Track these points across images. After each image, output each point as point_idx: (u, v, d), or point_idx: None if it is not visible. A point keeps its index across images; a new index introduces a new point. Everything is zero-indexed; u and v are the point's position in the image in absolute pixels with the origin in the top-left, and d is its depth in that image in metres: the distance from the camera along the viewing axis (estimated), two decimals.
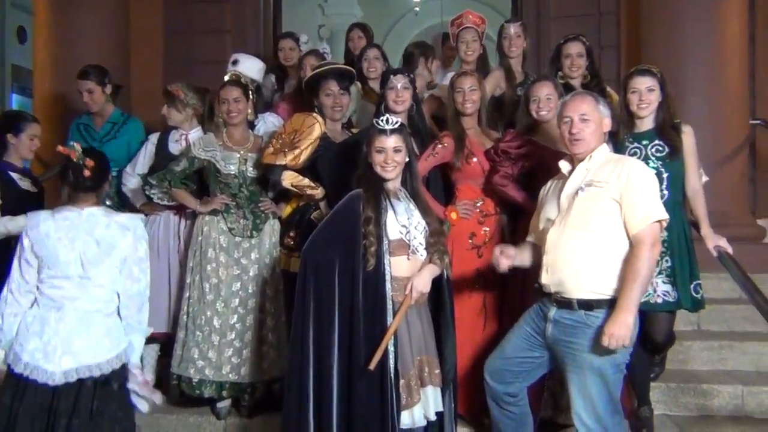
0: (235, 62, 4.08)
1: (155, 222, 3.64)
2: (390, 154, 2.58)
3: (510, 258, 2.68)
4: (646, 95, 2.99)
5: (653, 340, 3.04)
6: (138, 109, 5.12)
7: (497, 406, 2.69)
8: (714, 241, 3.05)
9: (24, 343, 2.38)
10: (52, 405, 2.35)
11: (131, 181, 3.73)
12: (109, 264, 2.45)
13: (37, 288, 2.44)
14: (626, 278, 2.33)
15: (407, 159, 2.65)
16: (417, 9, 8.64)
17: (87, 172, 2.45)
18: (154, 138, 3.78)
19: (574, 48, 3.65)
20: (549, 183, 2.69)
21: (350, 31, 4.64)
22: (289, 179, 3.22)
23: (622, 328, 2.28)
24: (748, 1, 4.74)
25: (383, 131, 2.60)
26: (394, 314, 2.50)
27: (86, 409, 2.36)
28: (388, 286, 2.51)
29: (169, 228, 3.62)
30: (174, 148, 3.64)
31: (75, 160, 2.45)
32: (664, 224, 2.45)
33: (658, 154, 3.01)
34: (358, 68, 4.03)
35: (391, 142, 2.59)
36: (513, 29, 3.92)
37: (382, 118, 2.64)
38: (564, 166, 2.58)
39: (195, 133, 3.63)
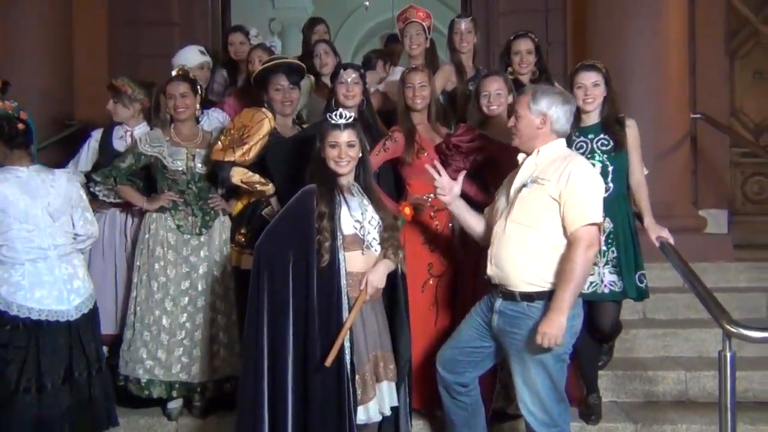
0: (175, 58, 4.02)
1: (100, 220, 3.53)
2: (344, 148, 2.56)
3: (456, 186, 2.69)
4: (591, 90, 3.04)
5: (600, 329, 3.11)
6: (81, 103, 4.97)
7: (449, 396, 2.72)
8: (656, 231, 3.12)
9: (26, 294, 2.74)
10: (71, 338, 2.80)
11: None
12: (70, 212, 2.89)
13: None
14: (560, 279, 2.37)
15: (360, 154, 2.63)
16: (367, 3, 8.60)
17: (21, 125, 2.70)
18: (97, 134, 3.67)
19: (523, 45, 3.70)
20: (510, 174, 2.70)
21: (316, 24, 4.55)
22: (238, 175, 3.16)
23: (554, 328, 2.32)
24: (688, 1, 4.88)
25: (337, 126, 2.58)
26: (350, 310, 2.49)
27: (88, 338, 2.86)
28: (342, 281, 2.49)
29: (114, 226, 3.52)
30: (119, 144, 3.54)
31: (11, 112, 2.68)
32: (607, 225, 2.49)
33: (603, 148, 3.07)
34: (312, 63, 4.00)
35: (345, 136, 2.57)
36: (464, 25, 3.94)
37: (335, 112, 2.62)
38: (521, 158, 2.61)
39: (140, 129, 3.54)
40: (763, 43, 5.53)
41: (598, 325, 3.09)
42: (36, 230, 2.79)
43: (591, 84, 3.04)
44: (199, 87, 3.42)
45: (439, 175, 2.69)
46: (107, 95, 3.60)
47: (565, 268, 2.36)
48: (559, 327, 2.32)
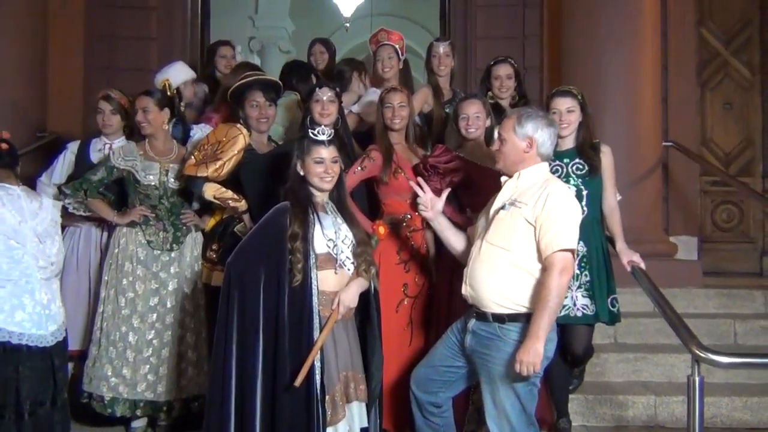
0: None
1: (75, 234, 3.48)
2: (329, 164, 2.56)
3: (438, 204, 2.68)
4: (565, 116, 3.08)
5: (573, 352, 3.11)
6: (56, 116, 4.90)
7: (422, 416, 2.70)
8: (628, 256, 3.15)
9: (7, 317, 2.64)
10: (52, 363, 2.75)
11: (47, 191, 3.53)
12: (55, 235, 2.85)
13: None
14: (536, 306, 2.37)
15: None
16: (347, 25, 8.66)
17: (4, 145, 2.67)
18: (73, 146, 3.62)
19: (503, 70, 3.75)
20: (494, 196, 2.70)
21: (312, 45, 4.60)
22: (211, 191, 3.13)
23: (531, 355, 2.31)
24: (660, 30, 4.99)
25: (321, 142, 2.58)
26: (321, 329, 2.46)
27: (58, 366, 2.80)
28: (314, 300, 2.47)
29: (90, 241, 3.47)
30: (96, 157, 3.49)
31: None
32: (580, 249, 2.50)
33: (579, 172, 3.11)
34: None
35: (330, 152, 2.58)
36: (442, 48, 3.97)
37: (317, 128, 2.61)
38: (504, 181, 2.61)
39: (120, 143, 3.49)
40: (732, 75, 5.66)
41: (571, 349, 3.09)
42: (22, 250, 2.71)
43: (565, 110, 3.08)
44: (176, 101, 3.40)
45: (423, 191, 2.69)
46: (81, 108, 3.56)
47: (540, 295, 2.36)
48: (536, 354, 2.32)
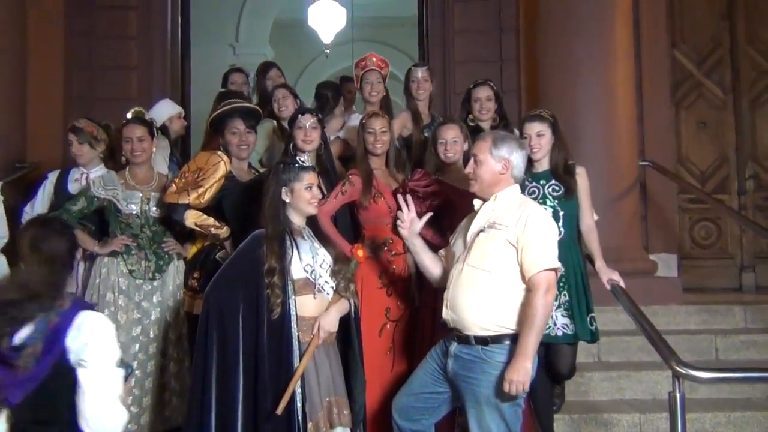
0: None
1: None
2: (316, 190, 2.62)
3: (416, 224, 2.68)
4: (535, 140, 3.15)
5: (558, 371, 3.15)
6: (36, 146, 4.89)
7: None
8: (607, 274, 3.20)
9: None
10: None
11: None
12: None
13: None
14: (522, 325, 2.39)
15: None
16: (327, 51, 8.76)
17: None
18: (52, 176, 3.63)
19: (483, 92, 3.81)
20: (465, 219, 2.74)
21: (268, 70, 4.57)
22: (192, 218, 3.15)
23: (521, 374, 2.33)
24: (634, 52, 5.10)
25: (309, 168, 2.64)
26: (301, 355, 2.46)
27: None
28: (293, 327, 2.47)
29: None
30: (74, 188, 3.51)
31: None
32: (560, 272, 2.54)
33: (555, 194, 3.16)
34: (271, 108, 4.04)
35: (316, 178, 2.65)
36: (420, 73, 4.02)
37: (302, 156, 2.67)
38: (477, 204, 2.64)
39: (97, 172, 3.51)
40: (705, 94, 5.80)
41: (556, 368, 3.12)
42: None
43: (535, 134, 3.15)
44: (155, 129, 3.42)
45: (408, 209, 2.70)
46: (61, 138, 3.58)
47: (526, 314, 2.39)
48: (525, 373, 2.34)
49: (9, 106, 4.64)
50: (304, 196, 2.60)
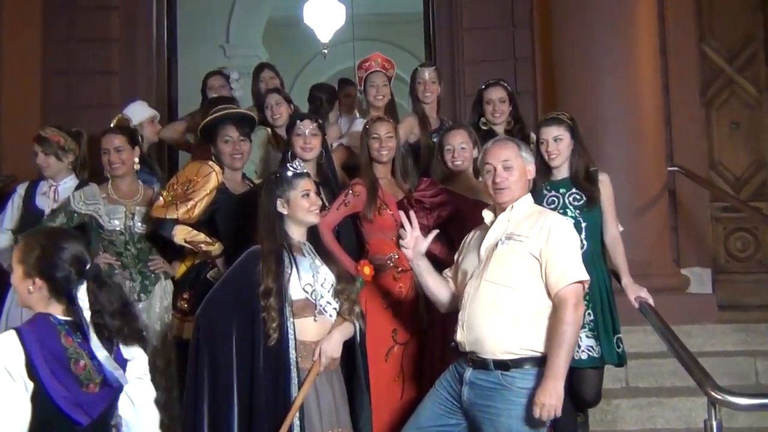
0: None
1: None
2: (314, 196, 2.63)
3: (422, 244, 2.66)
4: (553, 145, 3.15)
5: (584, 398, 3.13)
6: (10, 157, 4.92)
7: None
8: (635, 291, 3.18)
9: None
10: None
11: (0, 239, 3.55)
12: None
13: None
14: (552, 343, 2.38)
15: None
16: (325, 51, 8.80)
17: None
18: (21, 189, 3.65)
19: (495, 93, 3.82)
20: (471, 233, 2.74)
21: (261, 71, 4.59)
22: (181, 234, 3.14)
23: (553, 398, 2.32)
24: (660, 47, 5.11)
25: (303, 175, 2.65)
26: (301, 384, 2.45)
27: None
28: (292, 353, 2.47)
29: None
30: (42, 201, 3.53)
31: None
32: (587, 285, 2.53)
33: (576, 203, 3.15)
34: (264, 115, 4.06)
35: (312, 184, 2.65)
36: (427, 74, 4.04)
37: (295, 162, 2.70)
38: (487, 215, 2.64)
39: (67, 184, 3.53)
40: (738, 93, 5.78)
41: (581, 394, 3.10)
42: None
43: (552, 138, 3.15)
44: (140, 137, 3.44)
45: (411, 226, 2.68)
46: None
47: (556, 331, 2.38)
48: (558, 396, 2.32)
49: None
50: (302, 205, 2.60)
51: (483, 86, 3.91)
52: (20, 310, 3.28)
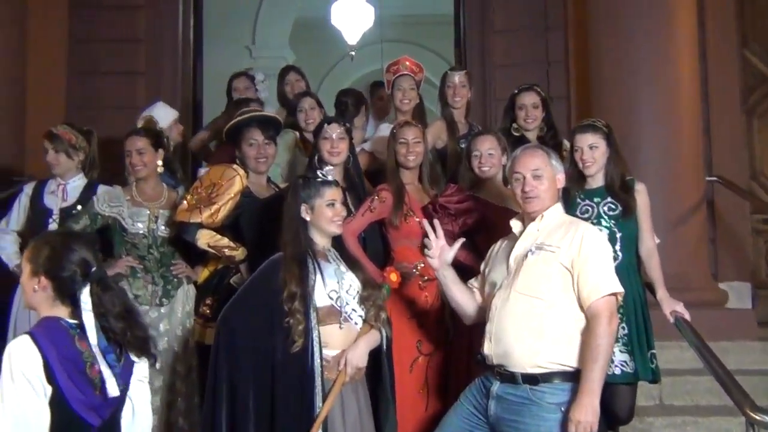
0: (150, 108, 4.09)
1: None
2: (339, 207, 2.63)
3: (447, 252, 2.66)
4: (588, 153, 3.13)
5: (617, 415, 3.10)
6: (33, 156, 5.00)
7: None
8: (670, 305, 3.15)
9: None
10: None
11: (5, 240, 3.60)
12: None
13: None
14: (586, 357, 2.37)
15: None
16: (353, 53, 8.85)
17: None
18: (28, 188, 3.67)
19: (528, 98, 3.81)
20: (498, 243, 2.74)
21: (286, 74, 4.68)
22: (205, 239, 3.17)
23: (589, 414, 2.31)
24: (699, 52, 5.06)
25: (331, 183, 2.66)
26: (326, 395, 2.46)
27: None
28: (317, 362, 2.47)
29: None
30: (50, 200, 3.56)
31: None
32: (621, 298, 2.51)
33: (611, 213, 3.13)
34: (294, 119, 4.09)
35: (339, 194, 2.66)
36: (458, 78, 4.04)
37: (326, 168, 2.70)
38: (515, 225, 2.64)
39: (75, 183, 3.58)
40: None
41: (614, 411, 3.08)
42: None
43: (588, 146, 3.13)
44: (165, 140, 3.48)
45: (435, 235, 2.69)
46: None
47: (590, 345, 2.37)
48: (594, 412, 2.32)
49: (6, 116, 4.77)
50: (325, 214, 2.61)
51: (516, 91, 3.90)
52: (28, 313, 3.34)
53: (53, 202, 3.56)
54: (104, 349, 1.97)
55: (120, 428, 2.06)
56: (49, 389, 1.87)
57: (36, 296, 2.01)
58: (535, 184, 2.56)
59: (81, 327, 1.98)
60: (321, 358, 2.49)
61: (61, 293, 2.00)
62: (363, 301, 2.61)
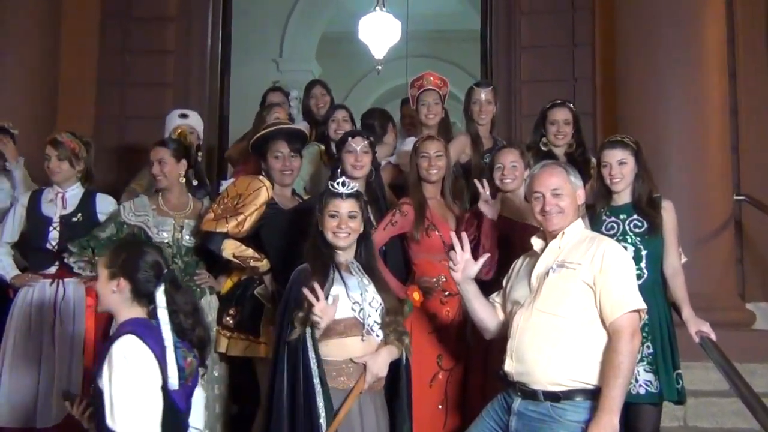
0: (184, 116, 4.12)
1: (28, 295, 3.49)
2: (344, 219, 2.62)
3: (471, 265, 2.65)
4: (617, 169, 3.11)
5: None
6: None
7: None
8: (696, 325, 3.11)
9: None
10: None
11: None
12: None
13: None
14: (606, 374, 2.35)
15: (362, 229, 2.69)
16: (379, 68, 8.90)
17: None
18: (24, 199, 3.65)
19: (561, 114, 3.80)
20: (520, 260, 2.73)
21: (312, 87, 4.73)
22: (230, 249, 3.19)
23: (607, 431, 2.29)
24: (728, 69, 5.02)
25: (338, 194, 2.66)
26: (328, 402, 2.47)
27: None
28: (312, 363, 2.48)
29: (43, 301, 3.48)
30: (48, 209, 3.56)
31: None
32: (644, 315, 2.49)
33: (637, 230, 3.11)
34: (322, 130, 4.11)
35: (346, 206, 2.64)
36: (484, 95, 4.02)
37: (338, 180, 2.70)
38: (536, 243, 2.63)
39: (74, 192, 3.60)
40: None
41: (637, 431, 3.04)
42: None
43: (617, 162, 3.11)
44: (193, 150, 3.51)
45: (462, 248, 2.67)
46: (92, 159, 3.68)
47: (611, 363, 2.35)
48: (613, 430, 2.30)
49: (39, 127, 4.84)
50: (327, 224, 2.63)
51: (548, 105, 3.87)
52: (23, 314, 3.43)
53: (52, 210, 3.55)
54: (176, 344, 2.16)
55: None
56: (160, 381, 2.09)
57: (114, 298, 2.22)
58: (555, 202, 2.56)
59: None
60: (316, 360, 2.49)
61: (138, 294, 2.21)
62: (385, 327, 2.62)
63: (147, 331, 2.14)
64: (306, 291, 2.50)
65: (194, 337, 2.24)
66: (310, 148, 3.96)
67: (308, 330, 2.50)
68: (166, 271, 2.24)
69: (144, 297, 2.21)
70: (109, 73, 5.74)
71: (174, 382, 2.11)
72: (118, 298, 2.21)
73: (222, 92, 6.00)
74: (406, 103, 4.93)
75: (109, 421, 2.03)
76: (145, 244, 2.55)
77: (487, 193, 3.22)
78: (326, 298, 2.50)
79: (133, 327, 2.14)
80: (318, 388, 2.46)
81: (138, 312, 2.22)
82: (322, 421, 2.42)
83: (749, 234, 5.31)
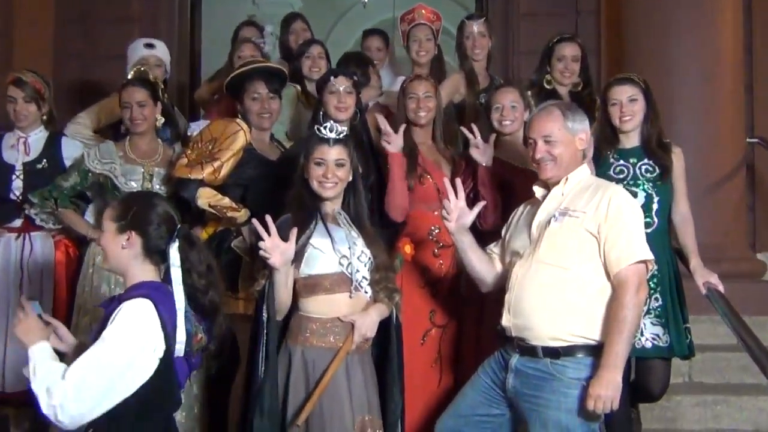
0: (150, 45, 4.02)
1: None
2: (331, 167, 2.59)
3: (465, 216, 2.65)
4: (627, 106, 3.10)
5: (650, 391, 3.15)
6: None
7: None
8: (704, 276, 3.14)
9: None
10: None
11: None
12: None
13: None
14: (610, 329, 2.37)
15: (350, 178, 2.66)
16: (365, 0, 8.76)
17: None
18: None
19: (570, 50, 3.76)
20: (520, 208, 2.73)
21: (291, 22, 4.59)
22: (205, 197, 3.13)
23: (610, 389, 2.32)
24: (743, 7, 4.97)
25: (325, 140, 2.62)
26: (267, 358, 2.50)
27: None
28: (262, 318, 2.52)
29: (9, 256, 3.47)
30: (10, 155, 3.52)
31: None
32: (651, 266, 2.50)
33: (648, 175, 3.11)
34: (296, 67, 4.04)
35: (334, 153, 2.60)
36: (476, 27, 3.99)
37: (325, 124, 2.66)
38: (538, 190, 2.62)
39: (37, 135, 3.54)
40: None
41: (647, 387, 3.12)
42: None
43: (627, 99, 3.10)
44: (161, 91, 3.46)
45: (456, 196, 2.66)
46: (52, 102, 3.60)
47: (615, 316, 2.36)
48: (616, 387, 2.32)
49: None
50: (313, 173, 2.60)
51: (555, 39, 3.82)
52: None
53: (14, 156, 3.50)
54: (186, 314, 2.09)
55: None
56: (162, 349, 2.00)
57: (124, 254, 2.11)
58: (547, 149, 2.53)
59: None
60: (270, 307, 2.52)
61: (150, 250, 2.12)
62: (374, 283, 2.61)
63: (162, 297, 2.06)
64: (255, 223, 2.49)
65: (206, 300, 2.16)
66: (285, 89, 3.88)
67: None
68: (179, 226, 2.17)
69: (156, 254, 2.13)
70: (69, 10, 5.60)
71: (180, 348, 2.05)
72: (128, 255, 2.11)
73: (193, 27, 5.89)
74: (368, 35, 4.72)
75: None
76: (155, 195, 2.46)
77: (478, 137, 3.14)
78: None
79: (149, 290, 2.05)
80: (261, 344, 2.50)
81: (150, 272, 2.13)
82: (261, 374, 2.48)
83: (762, 179, 5.33)
